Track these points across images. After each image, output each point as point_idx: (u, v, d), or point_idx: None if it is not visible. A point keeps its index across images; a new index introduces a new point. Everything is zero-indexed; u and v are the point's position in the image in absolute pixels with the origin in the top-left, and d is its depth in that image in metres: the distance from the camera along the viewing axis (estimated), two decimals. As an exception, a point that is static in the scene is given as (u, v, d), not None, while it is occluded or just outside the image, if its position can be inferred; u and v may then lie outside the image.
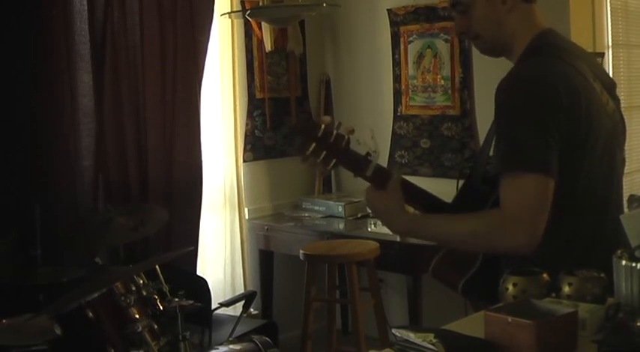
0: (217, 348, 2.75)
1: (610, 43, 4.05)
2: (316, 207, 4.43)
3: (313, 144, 1.80)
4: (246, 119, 4.38)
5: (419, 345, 1.37)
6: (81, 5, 3.47)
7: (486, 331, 1.39)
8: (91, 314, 2.46)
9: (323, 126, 1.81)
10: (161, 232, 3.48)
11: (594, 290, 1.56)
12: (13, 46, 3.31)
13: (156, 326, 2.50)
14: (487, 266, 1.85)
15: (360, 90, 4.64)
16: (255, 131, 4.43)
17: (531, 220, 1.64)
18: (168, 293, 2.61)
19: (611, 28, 4.04)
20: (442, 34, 4.19)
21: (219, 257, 4.21)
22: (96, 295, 2.43)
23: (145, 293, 2.54)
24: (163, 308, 2.56)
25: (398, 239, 3.68)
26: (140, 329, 2.46)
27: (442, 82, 4.22)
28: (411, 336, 1.40)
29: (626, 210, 1.88)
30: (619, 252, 1.51)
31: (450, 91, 4.19)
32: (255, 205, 4.43)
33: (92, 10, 3.50)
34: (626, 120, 1.98)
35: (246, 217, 4.34)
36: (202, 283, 3.33)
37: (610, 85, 1.93)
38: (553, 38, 1.88)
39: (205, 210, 3.97)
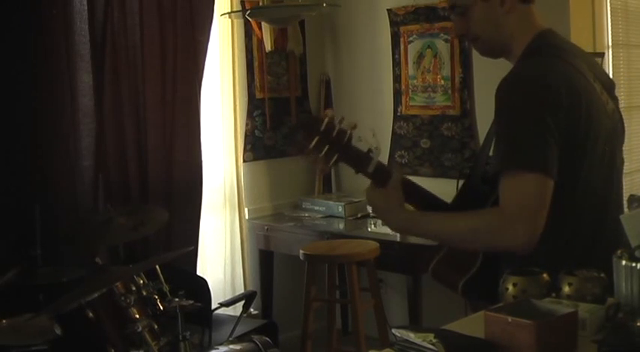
0: (217, 348, 2.75)
1: (610, 43, 4.05)
2: (316, 207, 4.43)
3: (316, 138, 1.79)
4: (246, 119, 4.38)
5: (419, 345, 1.37)
6: (81, 5, 3.47)
7: (486, 331, 1.39)
8: (91, 314, 2.46)
9: (326, 119, 1.81)
10: (161, 232, 3.48)
11: (594, 290, 1.56)
12: (13, 46, 3.30)
13: (156, 326, 2.50)
14: (487, 266, 1.85)
15: (360, 90, 4.64)
16: (255, 131, 4.43)
17: (530, 219, 1.64)
18: (168, 293, 2.61)
19: (611, 28, 4.04)
20: (442, 34, 4.19)
21: (219, 257, 4.21)
22: (96, 295, 2.43)
23: (145, 293, 2.55)
24: (163, 308, 2.56)
25: (398, 239, 3.68)
26: (140, 329, 2.46)
27: (442, 81, 4.22)
28: (411, 336, 1.40)
29: (626, 210, 1.88)
30: (619, 252, 1.51)
31: (450, 91, 4.19)
32: (255, 205, 4.43)
33: (92, 10, 3.49)
34: (626, 120, 1.98)
35: (246, 217, 4.34)
36: (202, 283, 3.33)
37: (609, 85, 1.93)
38: (552, 38, 1.88)
39: (205, 210, 3.97)
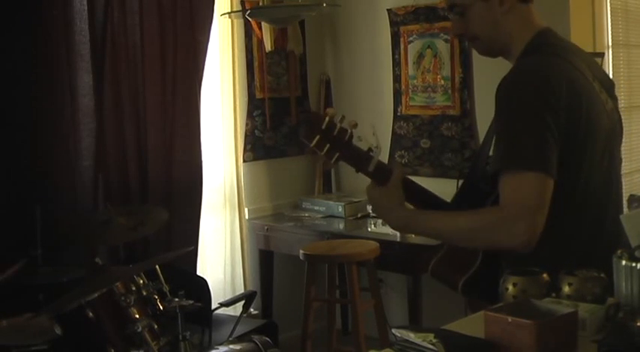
0: (217, 348, 2.75)
1: (610, 43, 4.05)
2: (316, 207, 4.43)
3: (317, 137, 1.80)
4: (246, 119, 4.38)
5: (419, 345, 1.37)
6: (81, 5, 3.47)
7: (486, 331, 1.39)
8: (91, 314, 2.46)
9: (327, 118, 1.81)
10: (161, 232, 3.47)
11: (594, 290, 1.55)
12: (13, 46, 3.30)
13: (156, 326, 2.50)
14: (487, 265, 1.85)
15: (360, 90, 4.64)
16: (255, 131, 4.43)
17: (530, 218, 1.64)
18: (168, 293, 2.61)
19: (611, 28, 4.04)
20: (442, 34, 4.19)
21: (219, 257, 4.21)
22: (96, 295, 2.43)
23: (145, 293, 2.55)
24: (163, 308, 2.56)
25: (398, 239, 3.68)
26: (140, 329, 2.46)
27: (442, 82, 4.22)
28: (411, 336, 1.40)
29: (626, 210, 1.88)
30: (619, 252, 1.51)
31: (450, 91, 4.19)
32: (255, 205, 4.43)
33: (92, 10, 3.49)
34: (626, 120, 1.99)
35: (246, 217, 4.34)
36: (202, 283, 3.33)
37: (608, 85, 1.93)
38: (551, 37, 1.88)
39: (205, 210, 3.97)
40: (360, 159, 1.85)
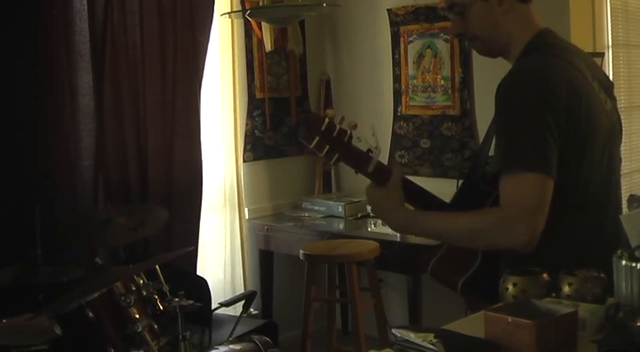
0: (217, 348, 2.74)
1: (610, 43, 4.05)
2: (316, 207, 4.43)
3: (317, 138, 1.80)
4: (246, 119, 4.38)
5: (419, 345, 1.37)
6: (81, 5, 3.47)
7: (486, 331, 1.39)
8: (91, 314, 2.46)
9: (327, 119, 1.81)
10: (161, 232, 3.47)
11: (594, 290, 1.55)
12: (13, 46, 3.30)
13: (156, 326, 2.50)
14: (486, 265, 1.85)
15: (360, 90, 4.64)
16: (255, 131, 4.43)
17: (530, 219, 1.64)
18: (168, 293, 2.60)
19: (611, 28, 4.04)
20: (442, 34, 4.19)
21: (219, 257, 4.21)
22: (96, 295, 2.43)
23: (145, 293, 2.54)
24: (163, 308, 2.56)
25: (398, 239, 3.68)
26: (140, 329, 2.46)
27: (442, 82, 4.22)
28: (411, 336, 1.40)
29: (626, 210, 1.88)
30: (619, 252, 1.51)
31: (450, 91, 4.19)
32: (255, 205, 4.43)
33: (92, 10, 3.49)
34: (626, 120, 1.99)
35: (246, 217, 4.34)
36: (202, 283, 3.33)
37: (607, 85, 1.93)
38: (551, 37, 1.88)
39: (205, 209, 3.97)
40: (360, 160, 1.85)
